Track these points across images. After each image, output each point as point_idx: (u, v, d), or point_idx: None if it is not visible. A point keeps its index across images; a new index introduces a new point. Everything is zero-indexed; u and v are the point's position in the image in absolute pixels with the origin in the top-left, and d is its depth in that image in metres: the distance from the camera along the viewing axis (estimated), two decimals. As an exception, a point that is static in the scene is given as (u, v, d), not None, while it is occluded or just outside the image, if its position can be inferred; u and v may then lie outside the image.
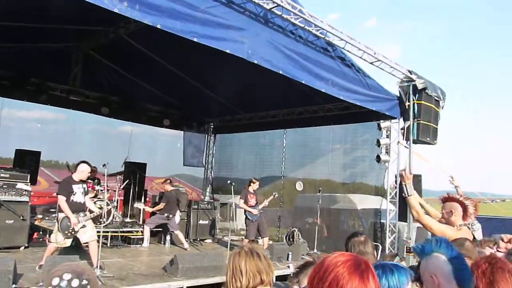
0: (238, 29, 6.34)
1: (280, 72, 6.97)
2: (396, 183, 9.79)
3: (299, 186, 12.03)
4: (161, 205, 9.43)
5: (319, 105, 10.87)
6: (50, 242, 6.53)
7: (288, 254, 8.84)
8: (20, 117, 15.11)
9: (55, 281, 1.53)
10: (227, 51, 6.24)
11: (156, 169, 13.52)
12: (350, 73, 8.40)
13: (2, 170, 8.25)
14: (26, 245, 8.09)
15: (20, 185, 8.19)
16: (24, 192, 8.21)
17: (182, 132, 14.06)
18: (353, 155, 11.03)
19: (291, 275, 2.49)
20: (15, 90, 9.96)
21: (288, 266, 7.92)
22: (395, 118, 9.61)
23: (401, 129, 9.63)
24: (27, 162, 9.97)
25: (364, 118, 10.01)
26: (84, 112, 11.70)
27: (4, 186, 7.97)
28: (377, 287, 1.29)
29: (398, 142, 9.71)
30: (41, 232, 9.12)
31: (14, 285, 5.27)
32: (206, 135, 14.41)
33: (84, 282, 1.55)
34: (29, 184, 8.48)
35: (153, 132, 14.40)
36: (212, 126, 14.39)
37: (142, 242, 9.36)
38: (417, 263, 2.15)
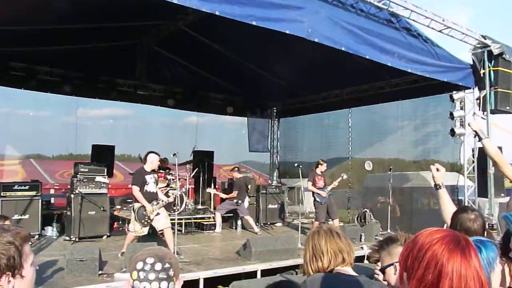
0: (296, 8, 6.19)
1: (343, 49, 6.75)
2: (473, 157, 9.20)
3: (368, 166, 11.69)
4: (234, 193, 9.59)
5: (385, 81, 10.43)
6: (129, 231, 6.87)
7: (360, 235, 8.65)
8: (93, 115, 16.05)
9: (139, 265, 1.56)
10: (287, 32, 6.12)
11: (222, 157, 13.77)
12: (417, 44, 7.96)
13: (81, 165, 8.78)
14: (108, 234, 8.59)
15: (98, 178, 8.68)
16: (102, 185, 8.69)
17: (245, 118, 14.16)
18: (425, 131, 10.48)
19: (371, 251, 2.37)
20: (87, 89, 10.56)
21: (362, 247, 7.75)
22: (469, 88, 9.01)
23: (477, 99, 9.01)
24: (103, 156, 10.53)
25: (435, 90, 9.45)
26: (151, 106, 12.16)
27: (84, 180, 8.48)
28: (480, 265, 1.15)
29: (474, 113, 9.04)
30: (120, 222, 9.63)
31: (100, 271, 5.60)
32: (270, 120, 14.41)
33: (167, 265, 1.57)
34: (106, 176, 8.96)
35: (218, 121, 14.68)
36: (275, 111, 14.35)
37: (215, 228, 9.58)
38: (501, 240, 1.96)
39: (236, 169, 9.95)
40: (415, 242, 1.23)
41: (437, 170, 2.87)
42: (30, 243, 1.43)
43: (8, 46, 8.58)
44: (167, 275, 1.57)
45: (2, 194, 7.88)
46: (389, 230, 9.49)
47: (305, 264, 2.11)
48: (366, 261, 6.87)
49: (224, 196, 10.01)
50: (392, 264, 2.08)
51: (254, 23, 5.74)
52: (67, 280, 5.30)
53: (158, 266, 1.56)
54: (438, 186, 2.88)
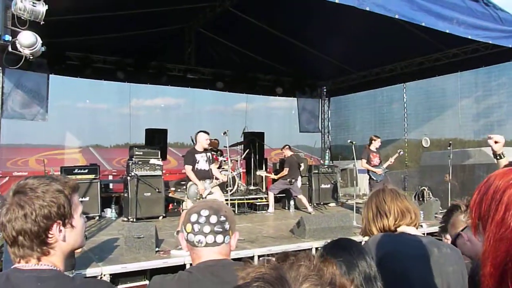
0: (346, -25, 5.90)
1: (396, 17, 6.38)
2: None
3: (425, 143, 11.17)
4: (285, 171, 9.43)
5: (442, 52, 9.84)
6: (183, 210, 6.97)
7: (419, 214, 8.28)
8: (146, 105, 16.59)
9: (194, 217, 1.50)
10: (337, 1, 5.86)
11: (273, 139, 13.72)
12: (477, 8, 7.39)
13: (136, 149, 9.03)
14: (164, 215, 8.80)
15: (153, 161, 8.88)
16: (157, 167, 8.89)
17: (295, 99, 13.95)
18: (487, 103, 9.84)
19: (439, 230, 2.22)
20: (139, 74, 10.80)
21: (421, 226, 7.43)
22: (537, 53, 8.29)
23: (546, 65, 8.31)
24: (156, 139, 10.78)
25: (498, 58, 8.80)
26: (201, 94, 12.30)
27: (139, 163, 8.71)
28: None
29: (543, 80, 8.40)
30: (175, 203, 9.83)
31: (157, 248, 5.72)
32: (320, 100, 14.11)
33: (222, 218, 1.50)
34: (160, 159, 9.15)
35: (267, 105, 14.63)
36: (325, 90, 14.03)
37: (268, 208, 9.56)
38: None
39: (287, 146, 9.80)
40: (487, 185, 1.08)
41: (496, 142, 2.61)
42: (81, 199, 1.39)
43: (63, 36, 8.89)
44: (222, 228, 1.49)
45: (64, 178, 8.23)
46: (450, 209, 9.04)
47: (368, 223, 1.96)
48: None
49: (275, 176, 9.92)
50: (459, 234, 1.92)
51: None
52: (125, 257, 5.44)
53: (214, 219, 1.49)
54: (499, 156, 2.61)
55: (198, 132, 6.83)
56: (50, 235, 1.25)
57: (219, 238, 1.49)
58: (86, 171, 8.66)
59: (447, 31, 6.99)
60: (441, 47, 9.50)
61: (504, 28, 7.64)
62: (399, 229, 1.88)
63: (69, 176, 8.12)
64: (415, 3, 6.57)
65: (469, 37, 7.26)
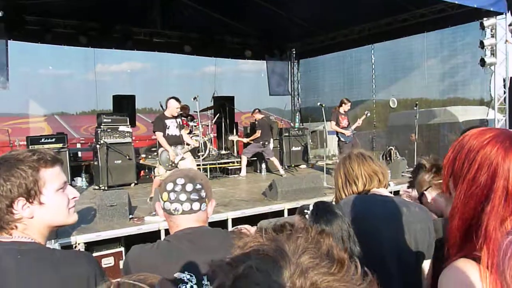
0: None
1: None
2: (505, 87, 8.83)
3: (392, 103, 11.38)
4: (258, 133, 9.41)
5: (409, 12, 9.90)
6: (155, 176, 6.94)
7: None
8: (112, 70, 16.10)
9: (169, 186, 1.50)
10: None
11: (243, 103, 13.63)
12: (444, -32, 7.44)
13: (104, 116, 8.82)
14: (136, 182, 8.74)
15: (122, 128, 8.72)
16: (126, 134, 8.75)
17: (264, 62, 13.84)
18: (452, 62, 10.02)
19: (407, 186, 2.30)
20: (103, 39, 10.41)
21: (389, 184, 7.67)
22: (501, 13, 8.47)
23: (509, 25, 8.50)
24: (124, 106, 10.55)
25: (464, 18, 8.94)
26: (168, 57, 11.99)
27: (108, 130, 8.54)
28: None
29: (506, 40, 8.61)
30: (146, 170, 9.78)
31: (130, 215, 5.72)
32: (289, 62, 14.05)
33: (198, 186, 1.51)
34: (129, 126, 9.00)
35: (236, 69, 14.46)
36: (294, 52, 13.96)
37: (240, 172, 9.63)
38: None
39: (257, 110, 9.78)
40: (462, 144, 1.12)
41: None
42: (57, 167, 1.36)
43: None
44: (199, 196, 1.50)
45: (29, 148, 8.00)
46: (416, 167, 9.36)
47: (338, 191, 2.03)
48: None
49: (246, 140, 9.94)
50: (422, 194, 2.00)
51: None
52: (99, 225, 5.43)
53: (189, 187, 1.49)
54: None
55: (169, 99, 6.71)
56: (14, 212, 1.26)
57: (196, 205, 1.50)
58: (53, 140, 8.44)
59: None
60: (409, 7, 9.55)
61: (470, -13, 7.74)
62: (372, 191, 1.95)
63: (36, 146, 7.99)
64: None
65: (436, -4, 7.33)
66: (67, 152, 8.52)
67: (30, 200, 1.27)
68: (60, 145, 8.44)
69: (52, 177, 1.32)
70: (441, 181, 1.72)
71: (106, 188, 8.08)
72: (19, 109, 15.44)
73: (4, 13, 4.82)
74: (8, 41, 9.27)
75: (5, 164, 1.26)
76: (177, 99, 6.71)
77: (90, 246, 5.05)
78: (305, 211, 1.62)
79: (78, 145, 13.64)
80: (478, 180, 1.06)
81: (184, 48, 11.53)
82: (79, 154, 11.36)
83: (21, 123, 15.02)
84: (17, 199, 1.26)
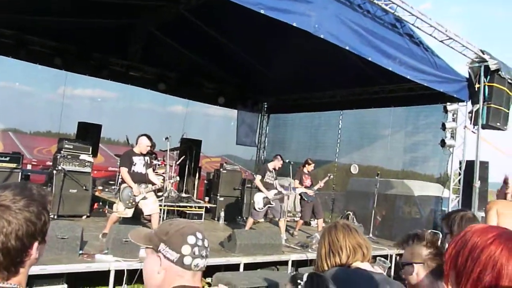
0: (305, 1, 6.10)
1: (347, 48, 6.68)
2: (460, 169, 9.29)
3: (354, 169, 11.68)
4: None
5: (380, 86, 10.42)
6: (112, 212, 6.68)
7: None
8: (80, 95, 15.70)
9: (191, 240, 1.40)
10: (294, 24, 6.01)
11: (209, 147, 13.58)
12: (418, 52, 7.95)
13: (66, 142, 8.51)
14: (88, 214, 8.36)
15: (83, 156, 8.43)
16: (87, 163, 8.44)
17: (235, 111, 14.00)
18: (414, 139, 10.51)
19: (396, 242, 2.27)
20: (79, 64, 10.25)
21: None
22: (463, 101, 9.05)
23: (469, 112, 9.07)
24: (89, 135, 10.25)
25: (430, 100, 9.49)
26: (140, 92, 11.93)
27: (68, 157, 8.22)
28: None
29: (465, 126, 9.18)
30: (101, 203, 9.39)
31: (81, 251, 5.41)
32: (260, 115, 14.29)
33: (206, 242, 1.45)
34: (91, 156, 8.72)
35: (206, 112, 14.49)
36: (266, 106, 14.24)
37: (197, 218, 9.43)
38: None
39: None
40: (464, 240, 1.15)
41: None
42: None
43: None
44: (208, 253, 1.45)
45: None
46: (370, 235, 9.49)
47: (320, 260, 2.02)
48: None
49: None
50: (411, 264, 2.01)
51: (262, 11, 5.61)
52: (45, 257, 5.08)
53: (206, 243, 1.44)
54: None
55: (141, 136, 6.62)
56: (30, 253, 1.15)
57: (205, 262, 1.44)
58: (7, 159, 7.98)
59: (390, 69, 7.44)
60: (381, 81, 10.05)
61: (438, 73, 8.28)
62: (354, 265, 1.94)
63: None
64: (365, 38, 6.92)
65: (408, 77, 7.77)
66: (20, 173, 8.08)
67: (43, 240, 1.20)
68: (14, 165, 7.99)
69: None
70: (434, 265, 1.75)
71: (55, 217, 7.66)
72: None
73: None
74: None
75: (22, 202, 1.14)
76: (149, 137, 6.63)
77: (31, 280, 4.70)
78: (299, 281, 1.59)
79: (29, 166, 13.02)
80: (483, 280, 1.09)
81: (158, 86, 11.52)
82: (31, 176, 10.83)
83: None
84: (37, 239, 1.17)
